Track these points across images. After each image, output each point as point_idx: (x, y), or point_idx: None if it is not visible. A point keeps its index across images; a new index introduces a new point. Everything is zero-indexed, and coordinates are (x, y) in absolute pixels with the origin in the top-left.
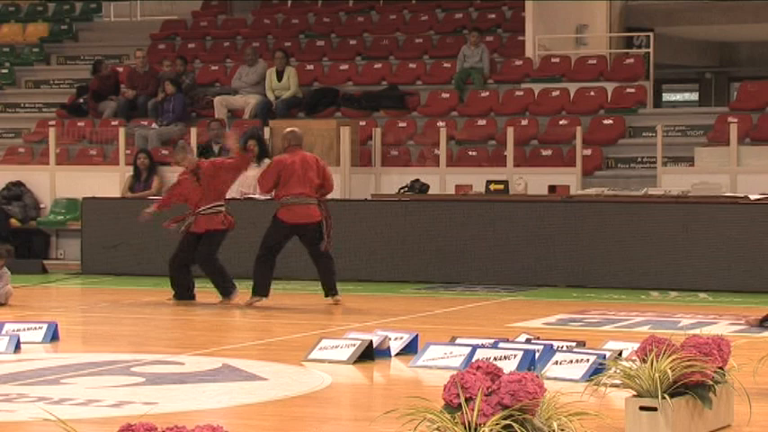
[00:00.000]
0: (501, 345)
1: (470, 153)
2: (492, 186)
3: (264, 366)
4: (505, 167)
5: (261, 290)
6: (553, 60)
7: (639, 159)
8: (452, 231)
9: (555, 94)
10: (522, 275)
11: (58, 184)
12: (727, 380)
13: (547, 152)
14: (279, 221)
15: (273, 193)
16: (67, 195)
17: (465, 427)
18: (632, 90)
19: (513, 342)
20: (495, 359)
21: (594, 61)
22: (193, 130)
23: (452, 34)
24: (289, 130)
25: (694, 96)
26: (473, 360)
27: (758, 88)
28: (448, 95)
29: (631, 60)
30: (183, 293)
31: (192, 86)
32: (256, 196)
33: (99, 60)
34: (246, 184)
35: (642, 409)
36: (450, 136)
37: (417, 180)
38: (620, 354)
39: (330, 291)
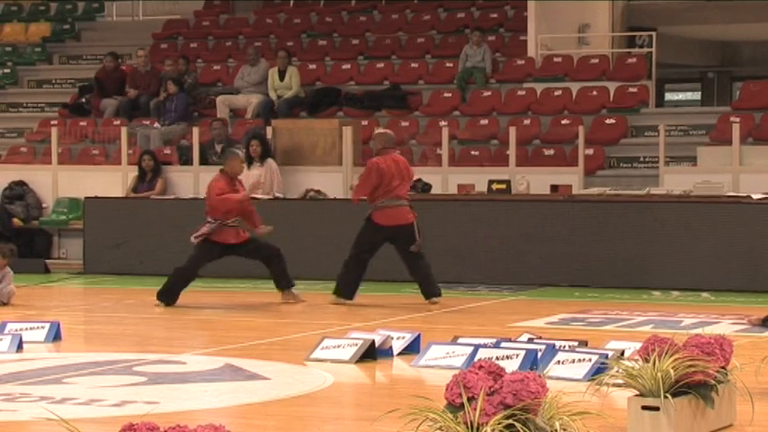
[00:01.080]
0: (503, 344)
1: (472, 153)
2: (494, 186)
3: (266, 366)
4: (508, 167)
5: (345, 292)
6: (555, 60)
7: (642, 159)
8: (454, 231)
9: (557, 93)
10: (524, 275)
11: (60, 183)
12: (730, 379)
13: (549, 152)
14: (375, 225)
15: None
16: (70, 195)
17: (467, 427)
18: (634, 89)
19: (515, 342)
20: (497, 359)
21: (597, 61)
22: (195, 130)
23: (454, 34)
24: (382, 132)
25: (697, 96)
26: (475, 360)
27: (760, 88)
28: (450, 95)
29: (634, 60)
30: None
31: (194, 86)
32: (259, 195)
33: (113, 53)
34: (247, 184)
35: (644, 408)
36: (453, 135)
37: (419, 180)
38: (622, 353)
39: (431, 293)
